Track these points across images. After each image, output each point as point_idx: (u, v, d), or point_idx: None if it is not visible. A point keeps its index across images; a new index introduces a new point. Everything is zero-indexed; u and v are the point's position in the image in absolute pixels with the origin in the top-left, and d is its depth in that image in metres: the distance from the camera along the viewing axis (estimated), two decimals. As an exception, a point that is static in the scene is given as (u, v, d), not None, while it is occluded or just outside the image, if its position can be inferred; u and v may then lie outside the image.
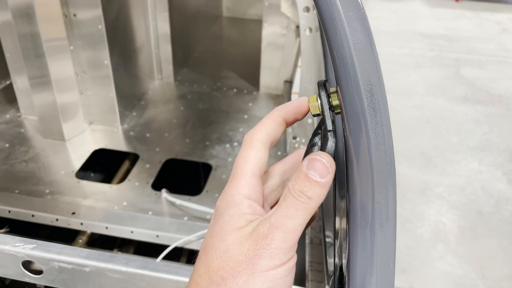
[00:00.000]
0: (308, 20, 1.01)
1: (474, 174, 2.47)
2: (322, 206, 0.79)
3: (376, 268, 0.32)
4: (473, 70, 3.66)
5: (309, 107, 0.37)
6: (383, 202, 0.31)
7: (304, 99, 0.37)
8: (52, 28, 1.12)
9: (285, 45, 1.46)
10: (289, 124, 0.38)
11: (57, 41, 1.14)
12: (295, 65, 1.51)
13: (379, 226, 0.32)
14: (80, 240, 1.02)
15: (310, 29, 1.02)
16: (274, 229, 0.31)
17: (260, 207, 0.35)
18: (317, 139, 0.37)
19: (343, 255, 0.36)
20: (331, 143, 0.34)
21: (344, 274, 0.35)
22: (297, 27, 1.35)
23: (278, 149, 1.24)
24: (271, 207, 0.39)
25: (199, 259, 0.33)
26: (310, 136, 0.41)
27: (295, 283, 0.98)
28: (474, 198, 2.30)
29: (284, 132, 0.38)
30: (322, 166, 0.31)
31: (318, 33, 1.02)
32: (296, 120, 0.38)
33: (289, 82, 1.55)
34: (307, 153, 0.37)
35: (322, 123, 0.37)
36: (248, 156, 0.35)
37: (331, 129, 0.34)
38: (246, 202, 0.34)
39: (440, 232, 2.09)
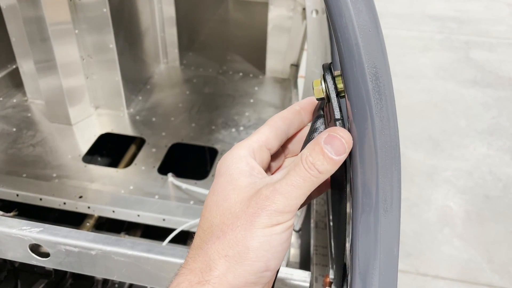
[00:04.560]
0: (314, 2, 1.00)
1: (482, 158, 2.45)
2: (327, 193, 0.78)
3: (380, 253, 0.32)
4: (483, 53, 3.61)
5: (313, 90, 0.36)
6: (387, 187, 0.31)
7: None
8: (57, 11, 1.11)
9: (291, 28, 1.44)
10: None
11: (62, 25, 1.13)
12: (302, 48, 1.50)
13: (383, 212, 0.31)
14: (88, 224, 1.03)
15: (317, 11, 1.01)
16: (277, 194, 0.32)
17: (258, 165, 0.37)
18: (319, 124, 0.36)
19: (347, 239, 0.36)
20: None
21: (347, 258, 0.35)
22: (304, 9, 1.33)
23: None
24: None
25: (203, 216, 0.36)
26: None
27: (300, 267, 0.98)
28: (481, 182, 2.29)
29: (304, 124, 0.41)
30: (339, 144, 0.32)
31: (325, 15, 1.00)
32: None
33: (296, 66, 1.53)
34: (308, 138, 0.36)
35: (322, 105, 0.37)
36: (257, 131, 0.38)
37: (339, 117, 0.33)
38: (245, 161, 0.36)
39: (447, 216, 2.08)
